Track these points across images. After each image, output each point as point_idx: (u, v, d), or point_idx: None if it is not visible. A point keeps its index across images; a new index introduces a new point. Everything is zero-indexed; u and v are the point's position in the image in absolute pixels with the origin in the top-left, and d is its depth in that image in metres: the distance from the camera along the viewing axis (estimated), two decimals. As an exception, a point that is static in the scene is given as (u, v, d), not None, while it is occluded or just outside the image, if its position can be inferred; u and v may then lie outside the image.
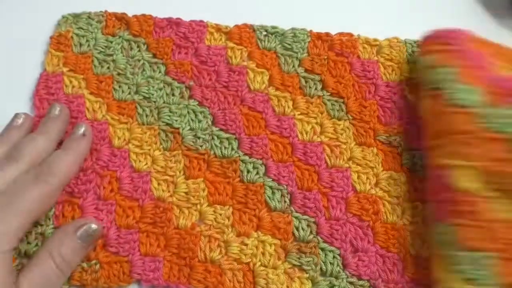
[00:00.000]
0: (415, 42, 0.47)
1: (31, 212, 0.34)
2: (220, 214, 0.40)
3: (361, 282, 0.38)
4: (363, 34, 0.48)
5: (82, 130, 0.40)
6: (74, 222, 0.37)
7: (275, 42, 0.47)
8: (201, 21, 0.48)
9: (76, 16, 0.48)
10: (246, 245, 0.39)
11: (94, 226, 0.37)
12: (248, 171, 0.41)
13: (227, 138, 0.43)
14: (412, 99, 0.45)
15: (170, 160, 0.42)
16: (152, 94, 0.44)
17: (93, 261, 0.38)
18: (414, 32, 0.47)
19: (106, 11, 0.48)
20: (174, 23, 0.47)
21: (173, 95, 0.44)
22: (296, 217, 0.40)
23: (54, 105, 0.41)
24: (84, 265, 0.37)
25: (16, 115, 0.40)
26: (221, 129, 0.43)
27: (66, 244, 0.35)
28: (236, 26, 0.48)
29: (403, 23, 0.49)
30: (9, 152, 0.38)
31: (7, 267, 0.33)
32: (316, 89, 0.45)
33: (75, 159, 0.39)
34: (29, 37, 0.47)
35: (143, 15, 0.48)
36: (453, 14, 0.51)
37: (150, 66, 0.45)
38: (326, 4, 0.51)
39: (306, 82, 0.45)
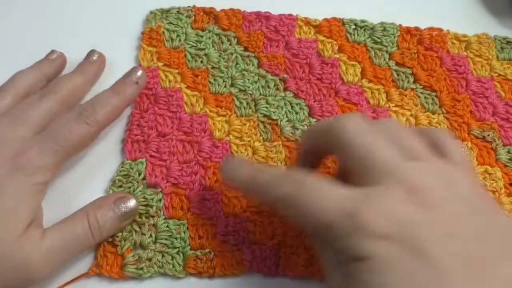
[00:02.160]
0: (504, 38, 0.49)
1: (69, 151, 0.37)
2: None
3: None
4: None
5: (136, 76, 0.42)
6: (116, 193, 0.39)
7: (364, 35, 0.49)
8: (290, 14, 0.49)
9: (165, 11, 0.49)
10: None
11: (131, 202, 0.38)
12: (348, 163, 0.43)
13: (325, 130, 0.44)
14: (504, 96, 0.46)
15: (271, 151, 0.43)
16: (248, 87, 0.46)
17: (207, 250, 0.39)
18: None
19: (194, 6, 0.49)
20: (263, 17, 0.49)
21: (268, 87, 0.46)
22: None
23: (93, 50, 0.44)
24: (198, 253, 0.39)
25: (52, 51, 0.43)
26: (318, 120, 0.45)
27: (103, 209, 0.36)
28: (325, 19, 0.50)
29: (402, 24, 0.51)
30: (46, 87, 0.40)
31: (34, 201, 0.35)
32: (408, 82, 0.47)
33: (121, 103, 0.40)
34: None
35: (231, 9, 0.49)
36: (453, 14, 0.53)
37: (242, 60, 0.47)
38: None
39: (398, 75, 0.47)
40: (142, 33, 0.48)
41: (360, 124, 0.30)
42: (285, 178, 0.31)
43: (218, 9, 0.50)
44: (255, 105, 0.45)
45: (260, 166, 0.36)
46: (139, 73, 0.42)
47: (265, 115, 0.45)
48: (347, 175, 0.30)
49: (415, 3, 0.53)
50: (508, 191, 0.43)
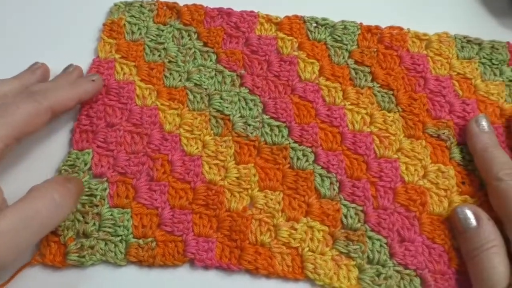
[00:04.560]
0: (464, 37, 0.50)
1: (17, 127, 0.38)
2: (271, 199, 0.43)
3: (407, 271, 0.41)
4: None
5: (94, 77, 0.45)
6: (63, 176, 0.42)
7: (325, 33, 0.50)
8: (252, 11, 0.51)
9: (129, 4, 0.51)
10: (295, 229, 0.42)
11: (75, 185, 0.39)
12: (298, 158, 0.44)
13: (277, 126, 0.45)
14: (461, 94, 0.47)
15: (221, 145, 0.45)
16: (204, 82, 0.47)
17: (150, 239, 0.41)
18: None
19: (158, 0, 0.51)
20: (225, 13, 0.51)
21: (224, 83, 0.48)
22: (344, 205, 0.43)
23: (71, 64, 0.46)
24: (141, 242, 0.41)
25: (34, 63, 0.45)
26: (271, 117, 0.46)
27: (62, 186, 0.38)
28: (287, 17, 0.51)
29: (402, 23, 0.52)
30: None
31: None
32: (366, 80, 0.48)
33: (73, 96, 0.42)
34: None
35: (194, 4, 0.51)
36: (453, 14, 0.54)
37: (201, 55, 0.49)
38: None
39: (356, 73, 0.48)
40: (104, 24, 0.50)
41: None
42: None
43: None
44: (209, 100, 0.46)
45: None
46: (96, 76, 0.45)
47: (218, 110, 0.46)
48: None
49: (415, 4, 0.55)
50: (460, 189, 0.44)
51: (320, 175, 0.43)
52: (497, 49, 0.50)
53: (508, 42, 0.50)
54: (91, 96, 0.44)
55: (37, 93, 0.40)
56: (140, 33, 0.50)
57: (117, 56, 0.48)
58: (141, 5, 0.51)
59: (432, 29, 0.51)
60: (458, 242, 0.41)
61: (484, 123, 0.43)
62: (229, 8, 0.51)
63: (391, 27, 0.50)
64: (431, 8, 0.54)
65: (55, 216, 0.36)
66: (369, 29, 0.50)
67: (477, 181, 0.43)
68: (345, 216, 0.42)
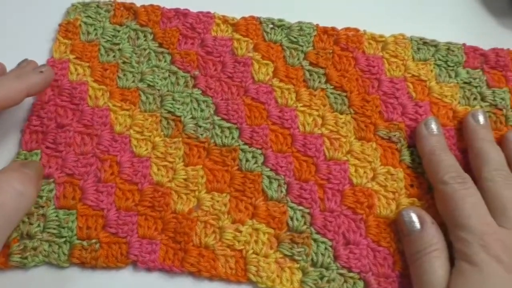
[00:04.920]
0: (420, 39, 0.50)
1: None
2: (217, 201, 0.43)
3: (351, 274, 0.41)
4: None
5: (43, 68, 0.43)
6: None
7: (281, 35, 0.50)
8: (208, 12, 0.51)
9: (85, 5, 0.51)
10: (240, 232, 0.42)
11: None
12: (247, 160, 0.44)
13: (228, 128, 0.45)
14: (415, 96, 0.47)
15: (170, 147, 0.45)
16: (157, 83, 0.47)
17: (93, 240, 0.41)
18: (414, 32, 0.51)
19: (115, 1, 0.51)
20: (181, 14, 0.51)
21: (177, 84, 0.48)
22: (291, 207, 0.43)
23: (25, 59, 0.44)
24: (84, 243, 0.41)
25: None
26: (222, 119, 0.46)
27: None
28: (243, 18, 0.51)
29: (402, 23, 0.52)
30: None
31: None
32: (320, 82, 0.48)
33: (20, 88, 0.40)
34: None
35: (151, 5, 0.51)
36: (453, 14, 0.54)
37: (155, 56, 0.49)
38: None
39: (310, 75, 0.48)
40: (60, 25, 0.50)
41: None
42: (456, 177, 0.40)
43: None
44: (161, 101, 0.47)
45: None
46: (45, 66, 0.44)
47: (169, 111, 0.46)
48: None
49: (415, 4, 0.55)
50: (408, 192, 0.44)
51: (268, 177, 0.43)
52: (452, 50, 0.50)
53: (464, 44, 0.50)
54: (41, 88, 0.42)
55: None
56: (96, 34, 0.50)
57: (71, 56, 0.48)
58: (97, 6, 0.51)
59: (432, 30, 0.51)
60: (403, 245, 0.40)
61: (433, 126, 0.43)
62: (186, 9, 0.51)
63: (347, 29, 0.50)
64: (431, 8, 0.54)
65: (21, 206, 0.36)
66: (325, 30, 0.50)
67: (426, 183, 0.43)
68: (291, 219, 0.42)
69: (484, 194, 0.40)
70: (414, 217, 0.40)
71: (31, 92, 0.42)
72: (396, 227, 0.42)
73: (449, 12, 0.54)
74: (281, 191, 0.43)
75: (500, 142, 0.44)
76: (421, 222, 0.39)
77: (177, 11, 0.51)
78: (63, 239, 0.41)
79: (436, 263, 0.37)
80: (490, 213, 0.39)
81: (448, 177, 0.40)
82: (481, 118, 0.44)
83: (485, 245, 0.36)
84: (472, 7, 0.54)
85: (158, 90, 0.47)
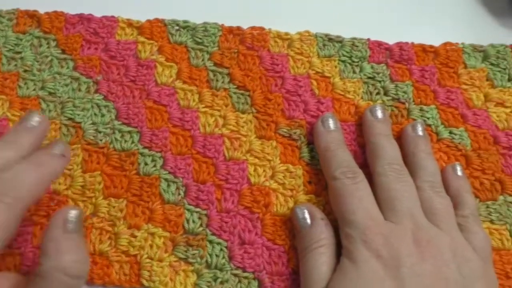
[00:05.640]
0: (326, 35, 0.50)
1: None
2: (114, 207, 0.43)
3: (245, 274, 0.40)
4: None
5: (60, 149, 0.38)
6: (52, 223, 0.33)
7: (186, 36, 0.50)
8: (112, 16, 0.51)
9: (-13, 15, 0.51)
10: (135, 237, 0.41)
11: (73, 212, 0.34)
12: (146, 164, 0.44)
13: (129, 132, 0.45)
14: (318, 93, 0.47)
15: (69, 154, 0.44)
16: (58, 90, 0.47)
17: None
18: (414, 32, 0.51)
19: (18, 9, 0.51)
20: (85, 19, 0.51)
21: (79, 90, 0.47)
22: (188, 210, 0.43)
23: (32, 113, 0.39)
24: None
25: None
26: (123, 123, 0.46)
27: (65, 251, 0.32)
28: (148, 20, 0.51)
29: (402, 23, 0.53)
30: None
31: None
32: (223, 82, 0.48)
33: (45, 178, 0.35)
34: None
35: (55, 12, 0.51)
36: (453, 14, 0.54)
37: (58, 62, 0.48)
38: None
39: (214, 75, 0.48)
40: (-40, 37, 0.50)
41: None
42: (346, 172, 0.40)
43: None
44: (62, 108, 0.46)
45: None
46: (61, 146, 0.39)
47: (69, 118, 0.46)
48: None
49: (415, 3, 0.55)
50: (306, 189, 0.44)
51: (166, 180, 0.43)
52: (357, 46, 0.50)
53: (368, 39, 0.50)
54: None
55: (5, 192, 0.33)
56: (-2, 43, 0.49)
57: (-29, 68, 0.48)
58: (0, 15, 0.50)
59: (432, 30, 0.52)
60: (296, 241, 0.41)
61: (330, 122, 0.43)
62: (90, 14, 0.51)
63: (252, 28, 0.50)
64: (431, 8, 0.54)
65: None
66: (230, 30, 0.50)
67: (324, 180, 0.43)
68: (187, 221, 0.42)
69: (376, 188, 0.40)
70: (306, 213, 0.40)
71: (55, 177, 0.39)
72: (292, 224, 0.42)
73: (449, 12, 0.54)
74: (179, 194, 0.43)
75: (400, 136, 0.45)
76: (311, 218, 0.39)
77: (80, 16, 0.51)
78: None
79: (320, 259, 0.37)
80: (380, 208, 0.39)
81: (338, 172, 0.40)
82: (379, 113, 0.44)
83: (366, 240, 0.36)
84: (472, 7, 0.55)
85: (59, 97, 0.47)
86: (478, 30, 0.52)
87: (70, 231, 0.33)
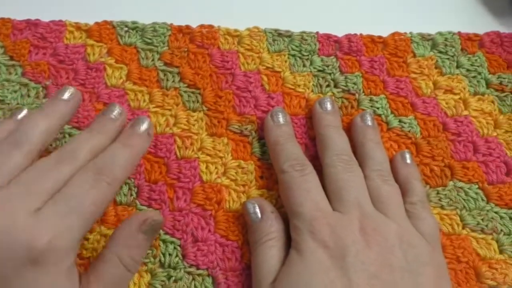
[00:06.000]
0: (275, 31, 0.50)
1: (92, 215, 0.34)
2: (65, 211, 0.42)
3: (199, 272, 0.41)
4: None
5: (146, 126, 0.41)
6: (135, 218, 0.37)
7: (135, 37, 0.50)
8: (60, 20, 0.50)
9: None
10: (87, 239, 0.41)
11: (156, 218, 0.37)
12: (96, 167, 0.44)
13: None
14: (268, 88, 0.47)
15: (18, 160, 0.44)
16: (7, 97, 0.47)
17: None
18: (412, 31, 0.52)
19: (-32, 20, 0.50)
20: (32, 24, 0.50)
21: (28, 96, 0.47)
22: (140, 210, 0.42)
23: (114, 105, 0.42)
24: None
25: (64, 88, 0.41)
26: (73, 127, 0.46)
27: (133, 245, 0.36)
28: (96, 23, 0.51)
29: (401, 23, 0.52)
30: (61, 148, 0.37)
31: (74, 277, 0.33)
32: (173, 81, 0.48)
33: (135, 157, 0.39)
34: None
35: (2, 18, 0.50)
36: (453, 14, 0.55)
37: (6, 69, 0.48)
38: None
39: (164, 75, 0.48)
40: None
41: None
42: (295, 165, 0.40)
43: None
44: (11, 115, 0.46)
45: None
46: (146, 123, 0.42)
47: (18, 124, 0.45)
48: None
49: (415, 3, 0.55)
50: (258, 183, 0.44)
51: (118, 182, 0.43)
52: (305, 39, 0.50)
53: (317, 32, 0.51)
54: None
55: (104, 171, 0.35)
56: (-51, 56, 0.49)
57: None
58: (-48, 26, 0.50)
59: (432, 29, 0.52)
60: (248, 235, 0.41)
61: (279, 116, 0.44)
62: (37, 19, 0.50)
63: (201, 26, 0.51)
64: (431, 8, 0.55)
65: (132, 275, 0.38)
66: (180, 29, 0.50)
67: (276, 174, 0.44)
68: (140, 222, 0.42)
69: (325, 180, 0.40)
70: (256, 208, 0.40)
71: (142, 155, 0.42)
72: (244, 219, 0.42)
73: (449, 11, 0.55)
74: (131, 195, 0.43)
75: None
76: (261, 212, 0.40)
77: (27, 22, 0.50)
78: None
79: (269, 253, 0.37)
80: (329, 199, 0.39)
81: (287, 165, 0.40)
82: (328, 105, 0.44)
83: (314, 231, 0.37)
84: (472, 7, 0.55)
85: (8, 104, 0.46)
86: (478, 30, 0.53)
87: (143, 232, 0.37)
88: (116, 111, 0.41)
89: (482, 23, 0.54)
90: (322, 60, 0.50)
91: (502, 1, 0.56)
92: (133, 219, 0.37)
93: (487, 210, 0.44)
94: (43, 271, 0.31)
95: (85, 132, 0.39)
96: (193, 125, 0.46)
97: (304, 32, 0.51)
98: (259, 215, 0.40)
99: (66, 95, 0.41)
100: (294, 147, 0.42)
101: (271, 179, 0.44)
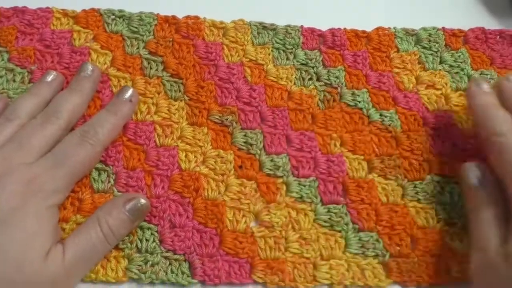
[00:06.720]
0: (260, 24, 0.51)
1: (78, 173, 0.40)
2: (44, 197, 0.43)
3: (176, 257, 0.41)
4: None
5: (129, 94, 0.45)
6: (124, 195, 0.41)
7: (122, 25, 0.51)
8: (47, 7, 0.51)
9: None
10: (63, 230, 0.41)
11: (143, 200, 0.40)
12: (77, 154, 0.44)
13: (61, 121, 0.45)
14: (250, 80, 0.48)
15: None
16: (-8, 82, 0.47)
17: None
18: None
19: (-45, 9, 0.51)
20: (19, 12, 0.51)
21: (13, 81, 0.47)
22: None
23: (86, 63, 0.45)
24: None
25: (48, 72, 0.45)
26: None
27: (114, 215, 0.38)
28: (83, 10, 0.51)
29: (401, 23, 0.53)
30: (46, 109, 0.42)
31: (53, 222, 0.38)
32: (157, 70, 0.48)
33: (119, 123, 0.43)
34: None
35: (-10, 7, 0.51)
36: (453, 14, 0.55)
37: (-7, 56, 0.49)
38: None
39: (148, 63, 0.49)
40: None
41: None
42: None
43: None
44: (3, 97, 0.46)
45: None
46: (129, 90, 0.45)
47: (3, 109, 0.46)
48: None
49: (414, 3, 0.56)
50: (237, 173, 0.44)
51: (97, 169, 0.44)
52: (290, 33, 0.51)
53: (302, 26, 0.51)
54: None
55: (89, 134, 0.41)
56: None
57: None
58: None
59: None
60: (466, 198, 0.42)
61: (483, 84, 0.44)
62: (24, 6, 0.51)
63: (187, 17, 0.51)
64: (431, 8, 0.55)
65: (109, 246, 0.40)
66: (166, 19, 0.51)
67: (256, 164, 0.44)
68: (117, 207, 0.42)
69: None
70: (478, 172, 0.41)
71: (126, 121, 0.46)
72: (223, 208, 0.42)
73: (449, 11, 0.55)
74: (109, 182, 0.43)
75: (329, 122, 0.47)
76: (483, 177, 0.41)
77: (15, 9, 0.51)
78: None
79: (489, 218, 0.39)
80: None
81: (506, 129, 0.40)
82: (484, 85, 0.44)
83: None
84: (473, 7, 0.56)
85: (-6, 89, 0.47)
86: (478, 30, 0.53)
87: (128, 210, 0.40)
88: (89, 68, 0.45)
89: (482, 23, 0.54)
90: (305, 54, 0.50)
91: (502, 1, 0.56)
92: (122, 195, 0.41)
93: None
94: (32, 200, 0.37)
95: (65, 91, 0.44)
96: (174, 114, 0.47)
97: (289, 25, 0.51)
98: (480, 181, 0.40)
99: (49, 78, 0.45)
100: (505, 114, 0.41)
101: (250, 169, 0.44)
